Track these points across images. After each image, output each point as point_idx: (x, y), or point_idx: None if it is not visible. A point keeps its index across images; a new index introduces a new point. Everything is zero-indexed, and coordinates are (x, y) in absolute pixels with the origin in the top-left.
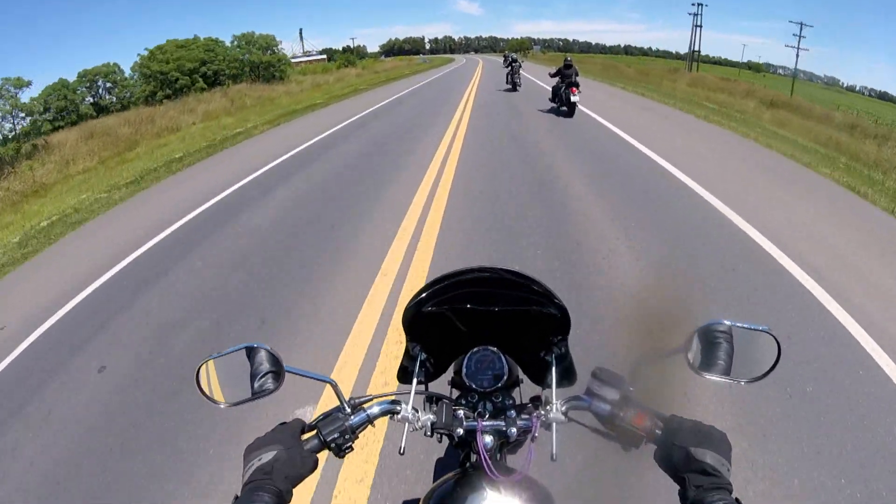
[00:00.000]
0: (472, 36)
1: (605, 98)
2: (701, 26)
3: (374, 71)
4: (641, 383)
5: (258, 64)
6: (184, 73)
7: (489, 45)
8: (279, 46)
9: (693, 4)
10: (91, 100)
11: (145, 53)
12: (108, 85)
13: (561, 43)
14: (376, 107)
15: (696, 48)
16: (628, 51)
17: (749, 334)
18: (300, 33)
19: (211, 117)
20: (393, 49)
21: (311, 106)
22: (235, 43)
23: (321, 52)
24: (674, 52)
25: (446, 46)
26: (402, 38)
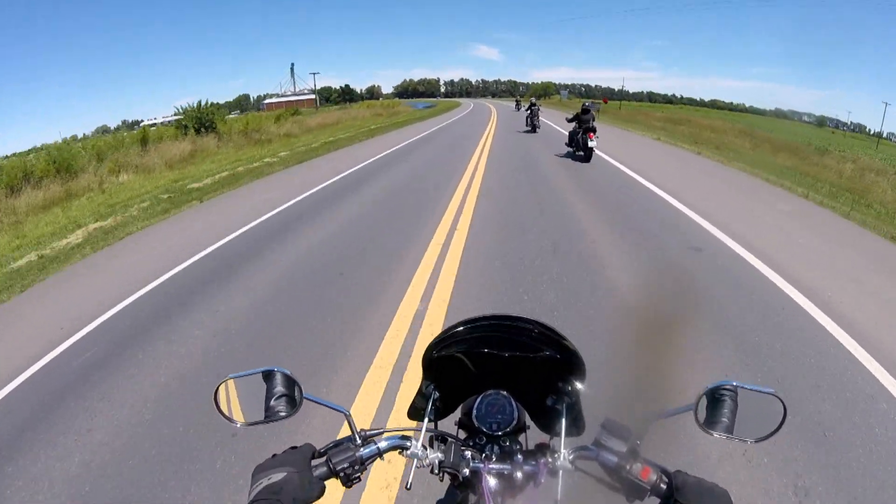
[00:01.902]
0: (491, 79)
1: None
2: None
3: (266, 139)
4: (649, 438)
5: None
6: None
7: (508, 90)
8: None
9: None
10: None
11: None
12: None
13: (583, 88)
14: None
15: None
16: (652, 98)
17: (756, 396)
18: (291, 69)
19: None
20: (407, 90)
21: None
22: None
23: (313, 92)
24: (698, 98)
25: (462, 90)
26: (417, 79)
